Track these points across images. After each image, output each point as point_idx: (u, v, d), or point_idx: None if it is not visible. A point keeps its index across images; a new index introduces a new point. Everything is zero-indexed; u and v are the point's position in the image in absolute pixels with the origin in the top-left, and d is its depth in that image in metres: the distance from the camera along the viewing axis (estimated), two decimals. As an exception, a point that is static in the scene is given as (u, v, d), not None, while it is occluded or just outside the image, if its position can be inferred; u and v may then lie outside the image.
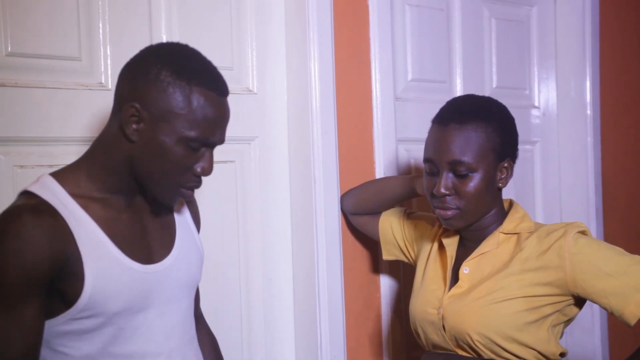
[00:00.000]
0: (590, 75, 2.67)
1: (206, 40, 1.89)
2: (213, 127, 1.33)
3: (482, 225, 1.67)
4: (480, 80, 2.54)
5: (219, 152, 1.93)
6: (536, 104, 2.74)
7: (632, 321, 1.51)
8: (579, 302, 1.61)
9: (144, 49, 1.38)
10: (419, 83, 2.36)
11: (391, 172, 2.19)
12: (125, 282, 1.32)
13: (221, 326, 1.83)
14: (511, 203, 1.73)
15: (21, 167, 1.64)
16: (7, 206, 1.29)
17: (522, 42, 2.67)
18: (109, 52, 1.78)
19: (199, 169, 1.35)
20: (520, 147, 1.70)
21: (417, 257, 1.87)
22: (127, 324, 1.34)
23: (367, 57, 2.15)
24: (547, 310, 1.58)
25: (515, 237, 1.65)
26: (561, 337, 1.65)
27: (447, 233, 1.75)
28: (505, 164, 1.64)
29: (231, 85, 1.91)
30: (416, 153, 2.26)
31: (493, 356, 1.58)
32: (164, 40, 1.86)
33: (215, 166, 1.83)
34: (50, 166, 1.67)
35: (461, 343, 1.61)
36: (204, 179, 1.40)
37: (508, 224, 1.66)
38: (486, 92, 2.52)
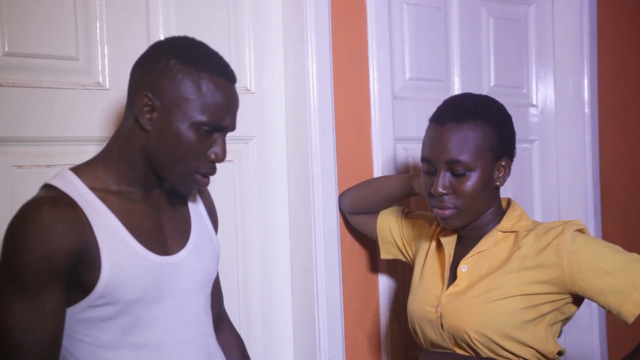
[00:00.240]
0: (588, 73, 2.67)
1: (204, 39, 1.85)
2: (223, 112, 1.38)
3: (480, 223, 1.67)
4: (478, 78, 2.54)
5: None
6: (534, 102, 2.74)
7: (630, 319, 1.51)
8: (577, 300, 1.61)
9: (153, 44, 1.43)
10: (417, 82, 2.36)
11: (389, 171, 2.19)
12: (140, 271, 1.35)
13: (219, 326, 1.83)
14: (509, 202, 1.73)
15: (19, 167, 1.64)
16: (3, 207, 1.30)
17: (520, 40, 2.67)
18: (106, 52, 1.77)
19: (212, 155, 1.39)
20: (518, 145, 1.70)
21: (415, 256, 1.87)
22: (144, 313, 1.37)
23: (364, 56, 2.15)
24: (545, 308, 1.58)
25: (513, 235, 1.65)
26: (560, 335, 1.65)
27: (445, 232, 1.75)
28: (503, 163, 1.64)
29: (229, 85, 1.92)
30: (414, 152, 2.26)
31: (491, 354, 1.58)
32: (162, 39, 1.86)
33: (213, 166, 1.85)
34: (48, 166, 1.67)
35: (459, 341, 1.61)
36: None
37: (506, 223, 1.66)
38: (484, 91, 2.52)
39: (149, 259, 1.37)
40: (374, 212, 2.00)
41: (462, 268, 1.65)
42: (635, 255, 1.55)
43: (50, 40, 1.69)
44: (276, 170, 2.08)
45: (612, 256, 1.54)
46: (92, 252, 1.30)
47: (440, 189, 1.59)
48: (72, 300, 1.31)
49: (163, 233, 1.43)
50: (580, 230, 1.59)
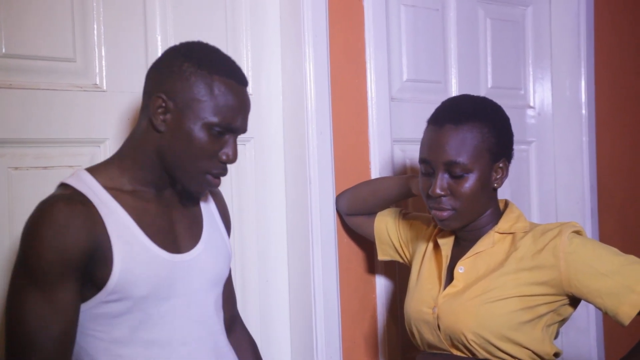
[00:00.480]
0: (585, 75, 2.67)
1: (201, 41, 1.88)
2: (234, 113, 1.41)
3: (477, 225, 1.67)
4: (476, 80, 2.54)
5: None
6: (531, 104, 2.74)
7: (626, 321, 1.51)
8: (574, 302, 1.61)
9: (167, 48, 1.47)
10: (415, 83, 2.36)
11: (387, 173, 2.19)
12: (151, 267, 1.38)
13: (217, 327, 1.82)
14: (506, 203, 1.73)
15: (16, 168, 1.64)
16: (1, 208, 1.32)
17: (517, 42, 2.68)
18: (103, 54, 1.77)
19: (223, 156, 1.42)
20: (515, 147, 1.70)
21: (412, 257, 1.87)
22: (154, 310, 1.39)
23: (362, 57, 2.15)
24: (542, 309, 1.58)
25: (510, 236, 1.65)
26: (556, 337, 1.65)
27: (443, 233, 1.75)
28: (501, 164, 1.64)
29: (226, 86, 1.92)
30: (412, 153, 2.27)
31: (488, 356, 1.58)
32: (159, 40, 1.87)
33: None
34: (46, 168, 1.67)
35: (456, 342, 1.61)
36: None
37: (503, 224, 1.66)
38: (481, 92, 2.52)
39: (161, 256, 1.40)
40: (372, 213, 2.00)
41: (459, 269, 1.65)
42: (632, 257, 1.55)
43: (48, 42, 1.69)
44: (274, 171, 2.09)
45: (609, 258, 1.54)
46: (104, 248, 1.33)
47: (438, 191, 1.59)
48: (85, 297, 1.35)
49: (175, 231, 1.47)
50: (578, 232, 1.59)
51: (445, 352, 1.65)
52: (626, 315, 1.50)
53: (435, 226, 1.81)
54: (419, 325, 1.69)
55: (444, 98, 1.76)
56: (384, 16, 2.18)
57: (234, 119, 1.41)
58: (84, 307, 1.35)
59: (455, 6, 2.47)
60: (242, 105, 1.43)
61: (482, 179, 1.60)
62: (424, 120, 1.69)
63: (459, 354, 1.63)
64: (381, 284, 2.19)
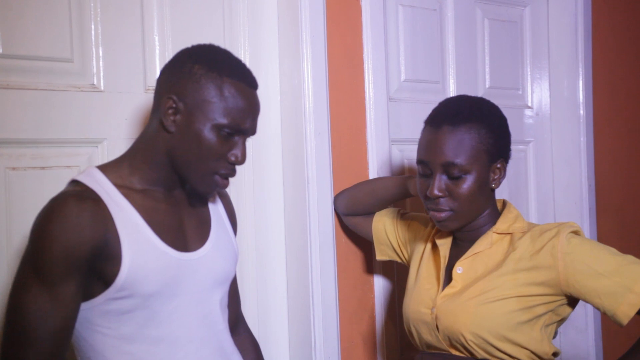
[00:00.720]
0: (583, 75, 2.67)
1: (199, 41, 1.86)
2: (244, 115, 1.43)
3: (475, 225, 1.67)
4: (474, 80, 2.54)
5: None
6: (529, 104, 2.74)
7: (625, 321, 1.51)
8: (572, 301, 1.61)
9: (179, 51, 1.48)
10: (412, 83, 2.36)
11: (384, 173, 2.19)
12: (159, 265, 1.40)
13: (215, 327, 1.82)
14: (504, 203, 1.73)
15: (13, 169, 1.64)
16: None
17: (515, 42, 2.68)
18: (101, 54, 1.77)
19: (232, 158, 1.44)
20: (513, 147, 1.70)
21: (410, 257, 1.87)
22: (161, 307, 1.41)
23: (360, 57, 2.16)
24: (540, 310, 1.58)
25: (508, 237, 1.65)
26: (555, 336, 1.65)
27: (441, 233, 1.75)
28: (498, 165, 1.64)
29: (224, 86, 1.92)
30: (409, 153, 2.27)
31: (486, 356, 1.58)
32: (156, 41, 1.87)
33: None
34: (43, 168, 1.67)
35: (454, 343, 1.61)
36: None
37: (501, 224, 1.66)
38: (479, 93, 2.52)
39: (169, 254, 1.42)
40: (370, 213, 2.00)
41: (458, 270, 1.65)
42: (629, 256, 1.56)
43: (45, 42, 1.69)
44: (271, 171, 2.08)
45: (607, 258, 1.54)
46: (113, 245, 1.34)
47: (436, 192, 1.59)
48: (94, 293, 1.36)
49: (183, 230, 1.48)
50: (576, 232, 1.59)
51: (443, 352, 1.65)
52: (624, 315, 1.51)
53: (433, 226, 1.81)
54: (418, 326, 1.69)
55: (441, 98, 1.76)
56: (381, 16, 2.18)
57: (243, 120, 1.42)
58: (92, 303, 1.36)
59: (453, 6, 2.47)
60: (251, 108, 1.45)
61: (479, 179, 1.60)
62: (421, 121, 1.69)
63: (457, 354, 1.63)
64: (379, 284, 2.19)
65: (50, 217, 1.31)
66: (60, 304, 1.30)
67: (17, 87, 1.64)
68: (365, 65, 2.16)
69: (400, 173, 2.27)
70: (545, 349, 1.59)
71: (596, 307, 1.55)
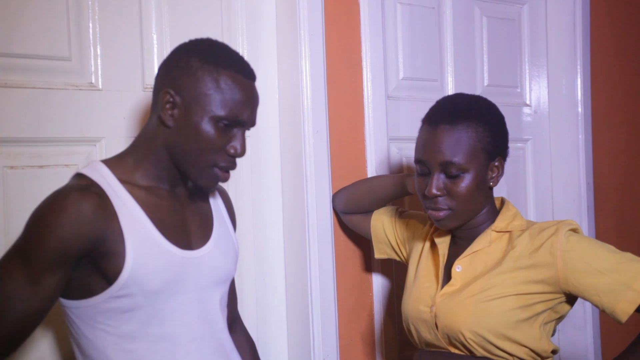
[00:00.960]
0: (581, 73, 2.67)
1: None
2: (241, 107, 1.42)
3: (474, 223, 1.67)
4: (472, 78, 2.54)
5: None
6: (527, 101, 2.74)
7: (623, 318, 1.51)
8: (571, 299, 1.61)
9: (176, 46, 1.48)
10: (411, 81, 2.36)
11: (383, 171, 2.19)
12: (163, 263, 1.39)
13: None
14: (503, 201, 1.73)
15: (11, 167, 1.64)
16: None
17: (513, 40, 2.68)
18: (99, 52, 1.77)
19: (231, 150, 1.43)
20: (511, 145, 1.71)
21: (409, 255, 1.87)
22: (163, 305, 1.40)
23: (358, 55, 2.15)
24: (539, 307, 1.58)
25: (507, 235, 1.65)
26: (554, 334, 1.66)
27: (439, 231, 1.76)
28: (496, 163, 1.64)
29: (222, 85, 1.92)
30: (408, 152, 2.27)
31: (486, 354, 1.58)
32: (154, 39, 1.87)
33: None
34: (41, 167, 1.67)
35: (454, 341, 1.62)
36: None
37: (500, 222, 1.66)
38: (478, 90, 2.52)
39: (172, 252, 1.41)
40: (368, 211, 2.00)
41: (457, 268, 1.65)
42: (628, 254, 1.56)
43: (43, 41, 1.68)
44: (270, 169, 2.08)
45: (606, 255, 1.55)
46: (116, 241, 1.34)
47: (434, 191, 1.59)
48: (96, 290, 1.36)
49: (186, 229, 1.48)
50: (574, 230, 1.60)
51: (443, 351, 1.65)
52: (623, 312, 1.51)
53: (431, 225, 1.81)
54: (417, 324, 1.69)
55: (440, 96, 1.75)
56: (379, 14, 2.18)
57: (241, 112, 1.42)
58: (94, 300, 1.36)
59: (451, 4, 2.47)
60: (249, 99, 1.44)
61: (477, 178, 1.60)
62: (420, 119, 1.69)
63: (456, 352, 1.63)
64: (378, 282, 2.19)
65: (50, 207, 1.31)
66: (39, 293, 1.30)
67: (15, 86, 1.64)
68: (364, 63, 2.16)
69: (399, 171, 2.27)
70: (544, 346, 1.60)
71: (595, 305, 1.55)
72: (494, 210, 1.69)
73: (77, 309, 1.38)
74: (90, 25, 1.76)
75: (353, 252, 2.15)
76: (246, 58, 2.01)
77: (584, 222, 2.66)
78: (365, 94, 2.16)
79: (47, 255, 1.29)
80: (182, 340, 1.43)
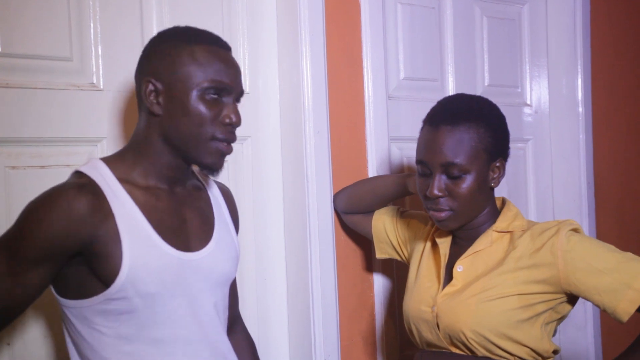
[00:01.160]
0: (581, 73, 2.68)
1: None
2: (223, 74, 1.40)
3: (475, 224, 1.67)
4: (472, 78, 2.54)
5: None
6: (528, 101, 2.74)
7: (625, 318, 1.52)
8: (572, 299, 1.61)
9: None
10: (411, 82, 2.36)
11: (384, 171, 2.19)
12: (161, 265, 1.37)
13: (215, 326, 1.83)
14: (504, 201, 1.73)
15: (13, 167, 1.64)
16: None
17: (513, 40, 2.68)
18: (100, 53, 1.77)
19: (226, 120, 1.41)
20: (512, 145, 1.71)
21: (410, 255, 1.87)
22: (161, 308, 1.38)
23: (359, 56, 2.16)
24: (540, 307, 1.58)
25: (508, 235, 1.65)
26: (554, 334, 1.66)
27: (440, 231, 1.76)
28: (498, 164, 1.64)
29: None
30: (409, 152, 2.27)
31: (487, 354, 1.59)
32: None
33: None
34: (42, 167, 1.67)
35: (455, 341, 1.62)
36: None
37: (501, 222, 1.66)
38: (478, 91, 2.52)
39: (170, 254, 1.39)
40: (369, 211, 2.00)
41: (458, 268, 1.65)
42: (629, 254, 1.56)
43: (44, 41, 1.68)
44: (271, 170, 2.08)
45: (607, 255, 1.55)
46: (111, 243, 1.32)
47: (435, 192, 1.59)
48: (93, 292, 1.34)
49: (186, 230, 1.46)
50: (575, 230, 1.60)
51: (444, 350, 1.65)
52: (624, 312, 1.51)
53: (432, 225, 1.81)
54: (418, 324, 1.70)
55: (441, 96, 1.76)
56: (380, 14, 2.18)
57: (224, 78, 1.40)
58: (91, 302, 1.34)
59: (451, 4, 2.47)
60: (229, 65, 1.42)
61: (479, 179, 1.61)
62: (420, 119, 1.69)
63: (458, 352, 1.63)
64: (379, 282, 2.19)
65: (43, 202, 1.30)
66: (20, 286, 1.29)
67: (16, 86, 1.64)
68: (364, 63, 2.16)
69: (400, 171, 2.27)
70: (545, 346, 1.60)
71: (596, 305, 1.55)
72: (495, 210, 1.70)
73: (75, 308, 1.37)
74: (92, 25, 1.76)
75: (354, 252, 2.15)
76: (247, 58, 2.04)
77: (585, 222, 2.66)
78: (366, 94, 2.16)
79: (32, 250, 1.28)
80: (180, 342, 1.41)
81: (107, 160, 1.42)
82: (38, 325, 1.67)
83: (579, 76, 2.68)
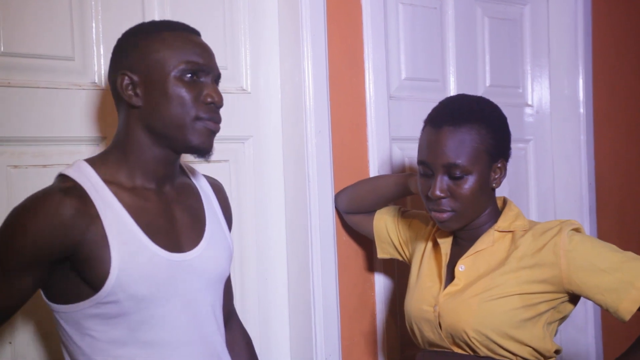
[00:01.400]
0: (583, 73, 2.68)
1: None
2: (196, 55, 1.40)
3: (476, 224, 1.67)
4: (474, 78, 2.55)
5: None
6: (529, 102, 2.74)
7: (627, 317, 1.52)
8: (573, 299, 1.61)
9: None
10: (413, 82, 2.36)
11: (385, 171, 2.19)
12: (151, 267, 1.35)
13: (216, 325, 1.83)
14: (505, 201, 1.74)
15: (15, 167, 1.64)
16: (0, 206, 1.33)
17: (515, 40, 2.68)
18: (102, 52, 1.77)
19: (208, 99, 1.39)
20: (513, 145, 1.71)
21: (411, 255, 1.87)
22: (154, 311, 1.36)
23: (360, 56, 2.16)
24: (543, 307, 1.58)
25: (510, 235, 1.65)
26: (555, 335, 1.66)
27: (442, 231, 1.76)
28: (499, 164, 1.64)
29: (225, 85, 1.93)
30: (410, 152, 2.27)
31: (489, 353, 1.59)
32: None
33: (209, 165, 1.85)
34: (44, 166, 1.67)
35: (457, 340, 1.62)
36: None
37: (502, 222, 1.66)
38: (479, 91, 2.52)
39: (160, 255, 1.37)
40: (371, 211, 2.00)
41: (460, 267, 1.66)
42: (630, 253, 1.56)
43: (46, 40, 1.69)
44: (272, 169, 2.09)
45: (608, 254, 1.55)
46: (99, 247, 1.30)
47: (438, 193, 1.59)
48: (82, 296, 1.32)
49: (175, 230, 1.43)
50: (577, 230, 1.60)
51: (445, 350, 1.65)
52: (627, 311, 1.51)
53: (434, 225, 1.81)
54: (420, 324, 1.70)
55: (442, 96, 1.76)
56: (382, 14, 2.18)
57: (198, 59, 1.39)
58: (80, 306, 1.32)
59: (453, 5, 2.47)
60: (201, 47, 1.42)
61: (481, 179, 1.61)
62: (422, 119, 1.69)
63: (460, 351, 1.63)
64: (380, 282, 2.19)
65: (28, 208, 1.28)
66: (9, 293, 1.28)
67: (18, 85, 1.64)
68: (366, 63, 2.16)
69: (401, 171, 2.27)
70: (547, 346, 1.60)
71: (598, 304, 1.55)
72: (496, 210, 1.70)
73: (65, 313, 1.34)
74: (94, 25, 1.76)
75: (355, 252, 2.15)
76: (248, 58, 2.05)
77: (586, 222, 2.66)
78: (368, 94, 2.16)
79: (18, 257, 1.26)
80: (173, 345, 1.38)
81: (91, 162, 1.40)
82: (40, 324, 1.67)
83: (580, 77, 2.68)
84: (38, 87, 1.67)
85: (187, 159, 1.63)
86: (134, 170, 1.41)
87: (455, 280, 1.65)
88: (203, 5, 1.95)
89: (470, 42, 2.53)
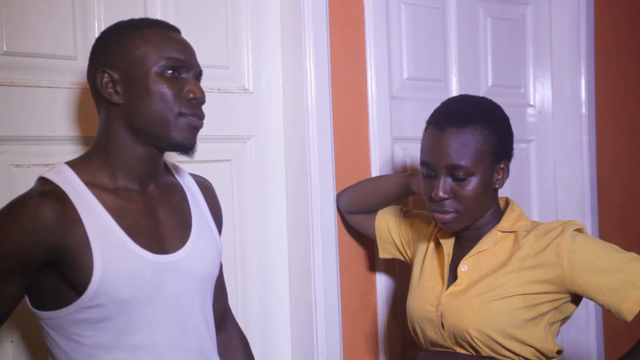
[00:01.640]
0: (585, 73, 2.68)
1: (202, 39, 1.89)
2: (177, 50, 1.38)
3: (479, 224, 1.67)
4: (476, 78, 2.54)
5: (215, 151, 1.95)
6: (531, 102, 2.74)
7: (629, 317, 1.52)
8: (576, 299, 1.61)
9: None
10: (415, 82, 2.36)
11: (387, 171, 2.19)
12: (135, 270, 1.33)
13: (218, 325, 1.83)
14: (507, 201, 1.74)
15: (17, 166, 1.64)
16: (2, 206, 1.32)
17: (517, 40, 2.68)
18: (104, 51, 1.77)
19: (190, 94, 1.38)
20: (515, 145, 1.71)
21: (413, 255, 1.87)
22: (140, 314, 1.34)
23: (362, 55, 2.16)
24: (545, 307, 1.58)
25: (512, 235, 1.65)
26: (557, 335, 1.66)
27: (444, 232, 1.76)
28: (502, 165, 1.64)
29: (227, 84, 1.93)
30: (412, 152, 2.27)
31: (492, 353, 1.59)
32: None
33: (211, 165, 1.85)
34: (47, 165, 1.67)
35: (460, 340, 1.62)
36: None
37: (505, 223, 1.66)
38: (481, 91, 2.52)
39: (144, 257, 1.34)
40: (372, 211, 2.00)
41: (462, 267, 1.65)
42: (632, 254, 1.56)
43: (49, 40, 1.69)
44: (274, 169, 2.09)
45: (611, 255, 1.55)
46: (81, 250, 1.28)
47: (441, 194, 1.59)
48: (65, 301, 1.30)
49: (160, 231, 1.41)
50: (579, 230, 1.60)
51: (448, 350, 1.65)
52: (629, 311, 1.51)
53: (436, 225, 1.81)
54: (422, 324, 1.70)
55: (444, 96, 1.76)
56: (384, 14, 2.18)
57: (179, 53, 1.38)
58: (64, 312, 1.31)
59: (455, 5, 2.47)
60: (182, 44, 1.41)
61: (484, 180, 1.61)
62: (424, 119, 1.69)
63: (462, 351, 1.63)
64: (382, 282, 2.19)
65: (7, 214, 1.27)
66: None
67: (20, 85, 1.64)
68: (368, 63, 2.16)
69: (403, 171, 2.27)
70: (549, 346, 1.60)
71: (600, 304, 1.55)
72: (498, 210, 1.70)
73: (50, 319, 1.33)
74: (96, 24, 1.76)
75: (357, 252, 2.15)
76: (250, 58, 2.05)
77: (588, 222, 2.66)
78: (370, 94, 2.16)
79: (4, 263, 1.25)
80: (160, 348, 1.36)
81: (72, 164, 1.38)
82: (20, 339, 1.66)
83: (583, 77, 2.68)
84: (40, 87, 1.67)
85: (177, 159, 1.63)
86: (117, 171, 1.39)
87: (458, 280, 1.65)
88: (205, 5, 1.95)
89: (472, 42, 2.53)
